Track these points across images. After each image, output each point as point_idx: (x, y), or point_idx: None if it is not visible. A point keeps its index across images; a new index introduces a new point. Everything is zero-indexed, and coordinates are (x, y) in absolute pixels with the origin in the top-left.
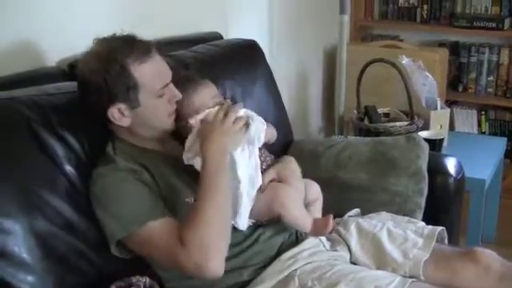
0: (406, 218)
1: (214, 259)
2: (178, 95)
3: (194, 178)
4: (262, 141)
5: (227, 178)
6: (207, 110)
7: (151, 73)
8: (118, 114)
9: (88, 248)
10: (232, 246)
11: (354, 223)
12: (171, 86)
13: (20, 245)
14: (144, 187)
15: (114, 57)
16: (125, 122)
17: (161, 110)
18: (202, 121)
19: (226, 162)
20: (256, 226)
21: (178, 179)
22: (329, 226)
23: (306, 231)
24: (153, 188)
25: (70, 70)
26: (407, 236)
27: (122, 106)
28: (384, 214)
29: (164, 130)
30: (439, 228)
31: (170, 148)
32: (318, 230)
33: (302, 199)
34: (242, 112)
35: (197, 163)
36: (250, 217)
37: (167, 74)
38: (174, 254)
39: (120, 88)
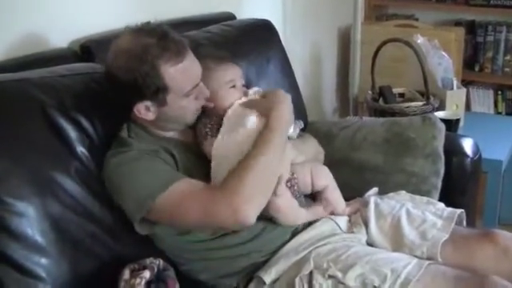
0: (425, 199)
1: (252, 208)
2: (206, 93)
3: (209, 164)
4: None
5: (284, 146)
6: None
7: (182, 75)
8: (144, 110)
9: (102, 231)
10: (247, 230)
11: (373, 204)
12: (201, 84)
13: (34, 227)
14: (161, 161)
15: (146, 57)
16: (149, 116)
17: (187, 109)
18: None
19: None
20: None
21: (194, 165)
22: (328, 209)
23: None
24: (171, 165)
25: (81, 51)
26: (426, 217)
27: (149, 104)
28: (403, 194)
29: (186, 123)
30: (459, 210)
31: (186, 135)
32: (316, 215)
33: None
34: None
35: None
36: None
37: (197, 74)
38: (210, 204)
39: (149, 88)
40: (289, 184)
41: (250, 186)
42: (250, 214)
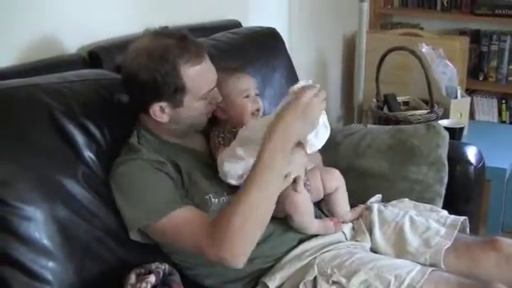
0: (429, 206)
1: (241, 256)
2: (219, 98)
3: (217, 173)
4: None
5: (280, 173)
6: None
7: (200, 77)
8: (159, 112)
9: (108, 235)
10: None
11: (377, 211)
12: (215, 89)
13: (41, 231)
14: (166, 177)
15: (167, 56)
16: (164, 118)
17: (200, 112)
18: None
19: (283, 156)
20: (277, 218)
21: (200, 174)
22: (338, 227)
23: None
24: (175, 180)
25: (89, 57)
26: (429, 225)
27: (165, 104)
28: (406, 202)
29: (197, 127)
30: (462, 218)
31: (193, 142)
32: (326, 230)
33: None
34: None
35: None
36: None
37: (213, 78)
38: (200, 245)
39: (168, 88)
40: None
41: (239, 234)
42: (237, 263)
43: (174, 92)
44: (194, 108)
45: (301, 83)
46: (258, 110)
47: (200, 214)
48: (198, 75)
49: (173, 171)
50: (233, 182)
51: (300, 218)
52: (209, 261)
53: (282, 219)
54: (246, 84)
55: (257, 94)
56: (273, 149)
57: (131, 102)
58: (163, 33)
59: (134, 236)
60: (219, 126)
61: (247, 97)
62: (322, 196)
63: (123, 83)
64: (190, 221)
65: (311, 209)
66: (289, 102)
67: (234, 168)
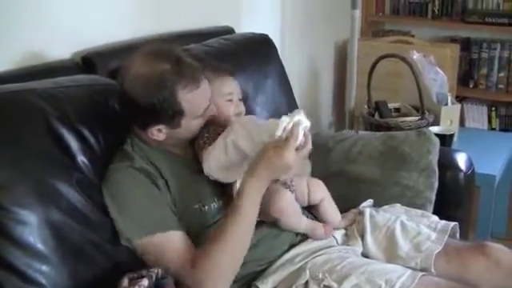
0: (420, 212)
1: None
2: (214, 111)
3: (205, 181)
4: None
5: (257, 211)
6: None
7: (197, 100)
8: (156, 132)
9: (102, 240)
10: None
11: (369, 216)
12: (211, 106)
13: (35, 235)
14: (159, 193)
15: (164, 83)
16: (160, 137)
17: (196, 128)
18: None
19: (261, 197)
20: (268, 222)
21: (190, 183)
22: (328, 233)
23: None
24: (165, 193)
25: (83, 62)
26: (420, 230)
27: (163, 126)
28: (398, 207)
29: (191, 138)
30: (452, 223)
31: (186, 151)
32: (314, 235)
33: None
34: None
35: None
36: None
37: (209, 96)
38: (182, 273)
39: (166, 113)
40: (288, 188)
41: (221, 266)
42: None
43: (172, 116)
44: (191, 126)
45: (285, 120)
46: (239, 114)
47: (186, 242)
48: (196, 98)
49: (162, 183)
50: (217, 176)
51: (287, 219)
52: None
53: (273, 223)
54: (229, 87)
55: (240, 99)
56: (248, 207)
57: (131, 120)
58: (158, 55)
59: (124, 242)
60: (203, 127)
61: (230, 100)
62: (305, 203)
63: (120, 104)
64: (175, 247)
65: (298, 209)
66: (267, 150)
67: (218, 162)
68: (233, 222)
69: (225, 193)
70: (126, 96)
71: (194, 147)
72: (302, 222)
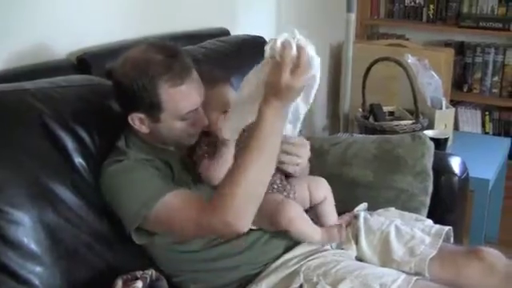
0: (414, 216)
1: (244, 220)
2: (205, 122)
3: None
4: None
5: (279, 139)
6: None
7: (179, 99)
8: (138, 122)
9: (96, 241)
10: (237, 242)
11: (363, 219)
12: (199, 110)
13: (29, 236)
14: (155, 170)
15: (147, 71)
16: (143, 129)
17: (181, 132)
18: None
19: (283, 124)
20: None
21: (188, 178)
22: (342, 234)
23: (313, 242)
24: (166, 171)
25: (78, 62)
26: (414, 234)
27: (143, 117)
28: (392, 211)
29: (182, 145)
30: (447, 227)
31: (183, 153)
32: (330, 238)
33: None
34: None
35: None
36: (253, 225)
37: (197, 100)
38: (205, 218)
39: (143, 101)
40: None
41: (241, 201)
42: (242, 225)
43: (150, 107)
44: (173, 127)
45: (270, 41)
46: None
47: (194, 193)
48: (177, 96)
49: (163, 166)
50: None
51: (298, 230)
52: (213, 231)
53: (263, 231)
54: (225, 98)
55: None
56: (269, 133)
57: (118, 104)
58: (157, 45)
59: (136, 238)
60: (203, 137)
61: (225, 112)
62: (307, 206)
63: (112, 84)
64: (187, 199)
65: (306, 218)
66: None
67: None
68: (253, 150)
69: None
70: (114, 78)
71: (193, 158)
72: (317, 232)
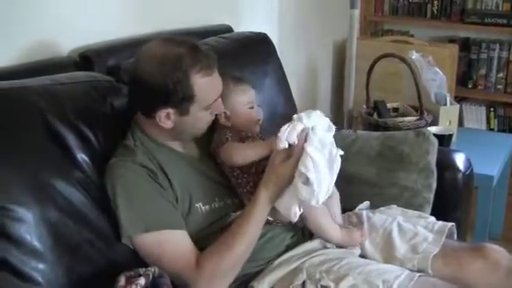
0: (417, 213)
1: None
2: (221, 109)
3: (208, 180)
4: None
5: (264, 221)
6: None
7: (209, 88)
8: (165, 118)
9: (99, 238)
10: None
11: (366, 217)
12: (219, 100)
13: (32, 233)
14: (162, 190)
15: (180, 64)
16: (168, 124)
17: (203, 121)
18: None
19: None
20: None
21: (193, 181)
22: (364, 236)
23: (331, 241)
24: (168, 191)
25: (80, 59)
26: (417, 231)
27: (172, 111)
28: (394, 208)
29: (196, 136)
30: (450, 224)
31: (187, 147)
32: (351, 241)
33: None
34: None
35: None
36: (270, 216)
37: (220, 89)
38: (186, 272)
39: (177, 95)
40: None
41: (226, 269)
42: None
43: (182, 100)
44: (198, 118)
45: (282, 129)
46: (259, 121)
47: (191, 244)
48: (208, 86)
49: (164, 181)
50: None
51: (318, 221)
52: (185, 285)
53: (269, 224)
54: (250, 96)
55: (258, 105)
56: (261, 217)
57: (132, 104)
58: (174, 40)
59: (125, 241)
60: (226, 128)
61: (251, 108)
62: None
63: (130, 86)
64: (180, 246)
65: (327, 212)
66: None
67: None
68: (242, 228)
69: (227, 194)
70: (138, 77)
71: (210, 147)
72: (336, 229)
